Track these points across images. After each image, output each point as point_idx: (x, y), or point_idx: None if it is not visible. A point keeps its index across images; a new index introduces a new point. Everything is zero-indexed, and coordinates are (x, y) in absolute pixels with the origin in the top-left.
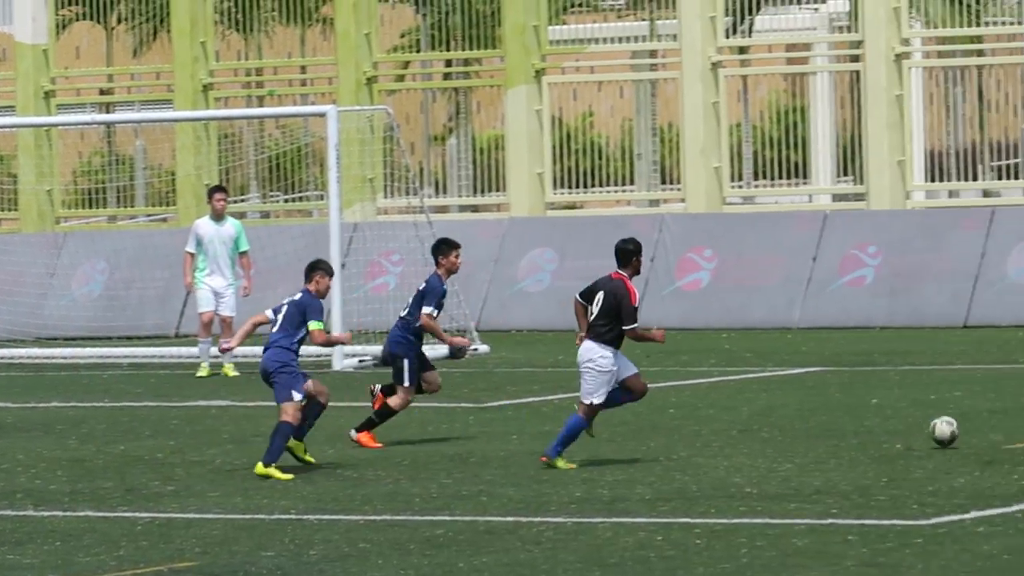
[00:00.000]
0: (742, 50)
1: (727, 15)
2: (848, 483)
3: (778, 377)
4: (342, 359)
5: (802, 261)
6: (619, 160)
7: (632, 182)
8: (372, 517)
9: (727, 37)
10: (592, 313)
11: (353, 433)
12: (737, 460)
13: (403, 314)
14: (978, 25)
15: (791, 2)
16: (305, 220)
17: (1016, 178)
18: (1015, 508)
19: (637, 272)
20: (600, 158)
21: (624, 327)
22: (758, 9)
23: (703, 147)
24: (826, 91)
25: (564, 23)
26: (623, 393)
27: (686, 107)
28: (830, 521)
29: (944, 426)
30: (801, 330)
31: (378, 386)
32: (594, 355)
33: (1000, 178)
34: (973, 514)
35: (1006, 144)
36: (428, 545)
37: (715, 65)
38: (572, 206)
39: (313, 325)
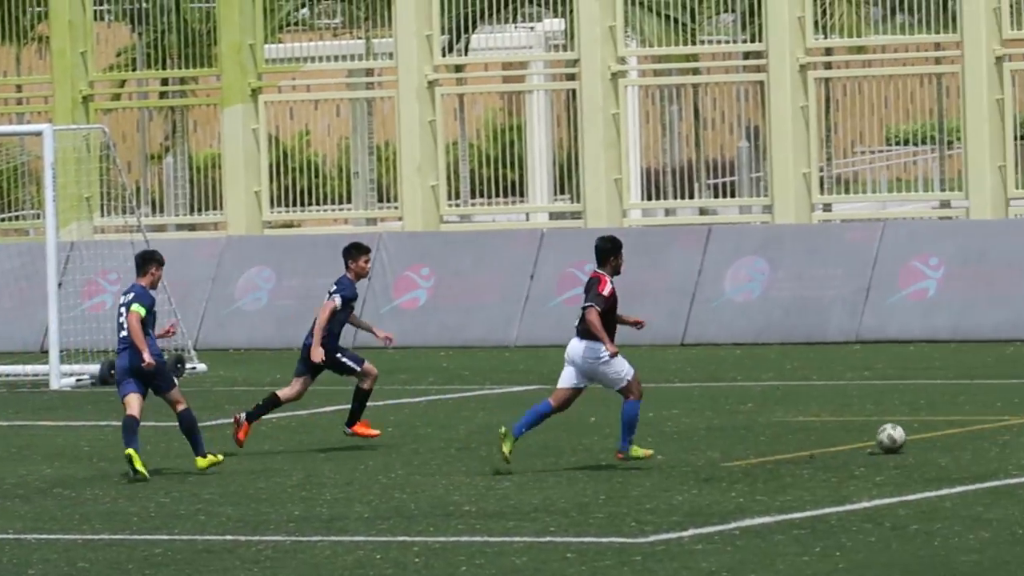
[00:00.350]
0: (458, 68)
1: (443, 34)
2: (566, 500)
3: (496, 395)
4: (60, 378)
5: (519, 279)
6: (336, 178)
7: (349, 200)
8: (90, 536)
9: (443, 55)
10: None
11: (348, 430)
12: (455, 478)
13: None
14: (693, 44)
15: (507, 21)
16: (22, 239)
17: (732, 196)
18: (733, 525)
19: (617, 271)
20: (317, 176)
21: (584, 305)
22: (474, 28)
23: (420, 165)
24: (542, 109)
25: (280, 42)
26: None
27: (402, 125)
28: (548, 539)
29: (888, 434)
30: (519, 348)
31: (243, 414)
32: (590, 353)
33: (717, 196)
34: (691, 531)
35: (722, 162)
36: (146, 564)
37: (431, 83)
38: (290, 224)
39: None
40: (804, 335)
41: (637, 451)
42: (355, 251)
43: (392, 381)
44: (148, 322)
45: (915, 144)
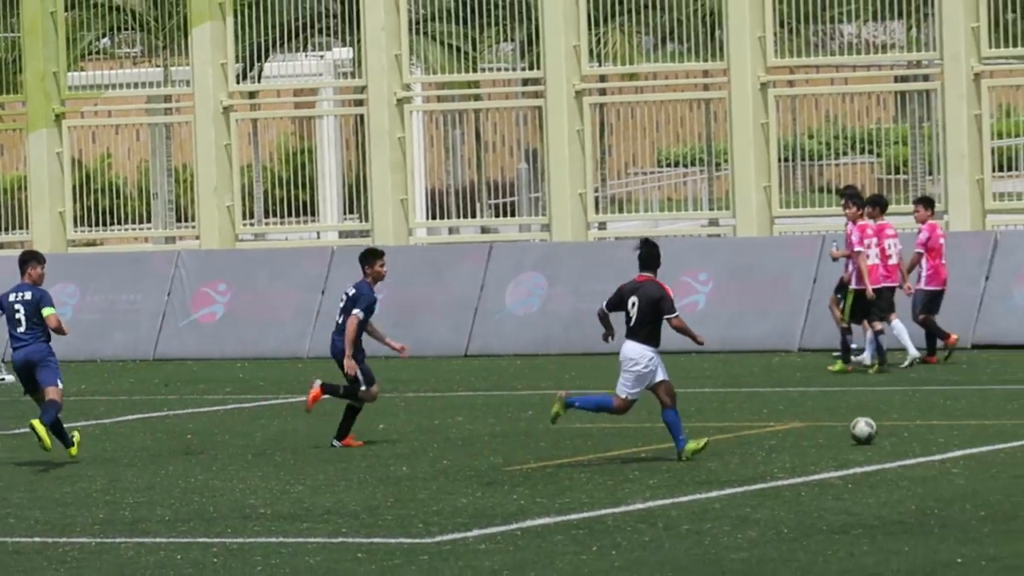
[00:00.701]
0: (252, 95)
1: (237, 62)
2: (357, 503)
3: (290, 404)
4: None
5: (311, 294)
6: (137, 199)
7: (150, 220)
8: None
9: (237, 83)
10: (631, 318)
11: (336, 442)
12: (252, 483)
13: (338, 321)
14: (475, 71)
15: (298, 50)
16: None
17: (513, 215)
18: (514, 526)
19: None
20: (118, 197)
21: (668, 316)
22: (267, 56)
23: (216, 186)
24: (332, 133)
25: (83, 69)
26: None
27: (199, 149)
28: (340, 540)
29: (864, 426)
30: (312, 359)
31: (317, 381)
32: (637, 355)
33: (498, 215)
34: (475, 532)
35: (503, 183)
36: None
37: (226, 109)
38: (93, 243)
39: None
40: (581, 346)
41: (693, 445)
42: (371, 256)
43: (191, 391)
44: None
45: (685, 166)
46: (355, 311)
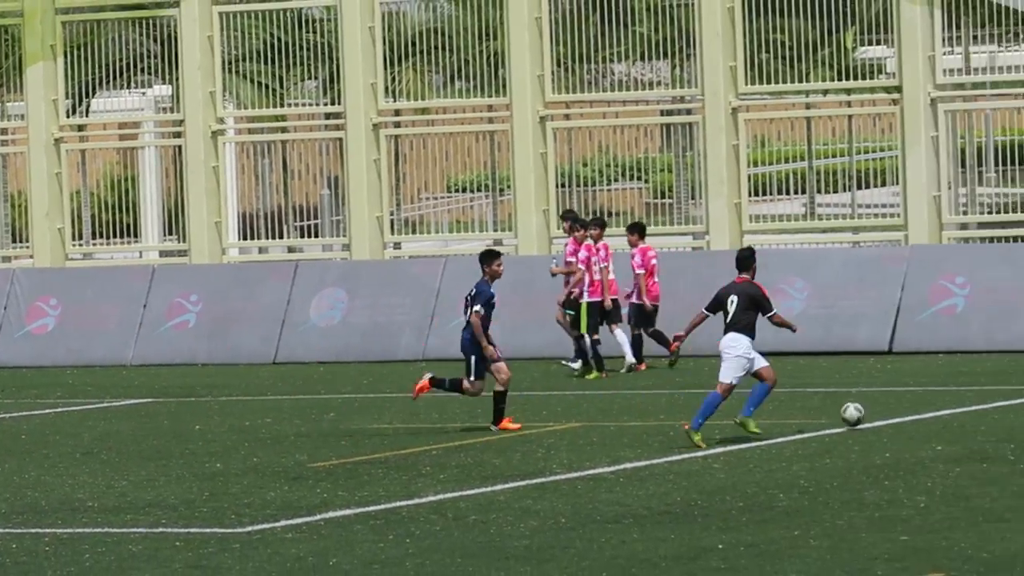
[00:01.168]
0: (81, 128)
1: (67, 98)
2: (176, 497)
3: (115, 408)
4: None
5: (134, 308)
6: None
7: None
8: None
9: (68, 117)
10: (729, 313)
11: (493, 427)
12: (80, 479)
13: (466, 319)
14: (282, 106)
15: (122, 87)
16: None
17: (316, 236)
18: (319, 517)
19: (754, 274)
20: None
21: (768, 314)
22: (94, 93)
23: (48, 211)
24: (153, 163)
25: None
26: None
27: (33, 177)
28: (161, 530)
29: (853, 411)
30: (135, 367)
31: (428, 375)
32: (738, 343)
33: (303, 236)
34: (283, 522)
35: (307, 207)
36: None
37: (57, 141)
38: None
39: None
40: (378, 354)
41: (752, 425)
42: (489, 257)
43: (25, 396)
44: None
45: (472, 191)
46: (475, 308)
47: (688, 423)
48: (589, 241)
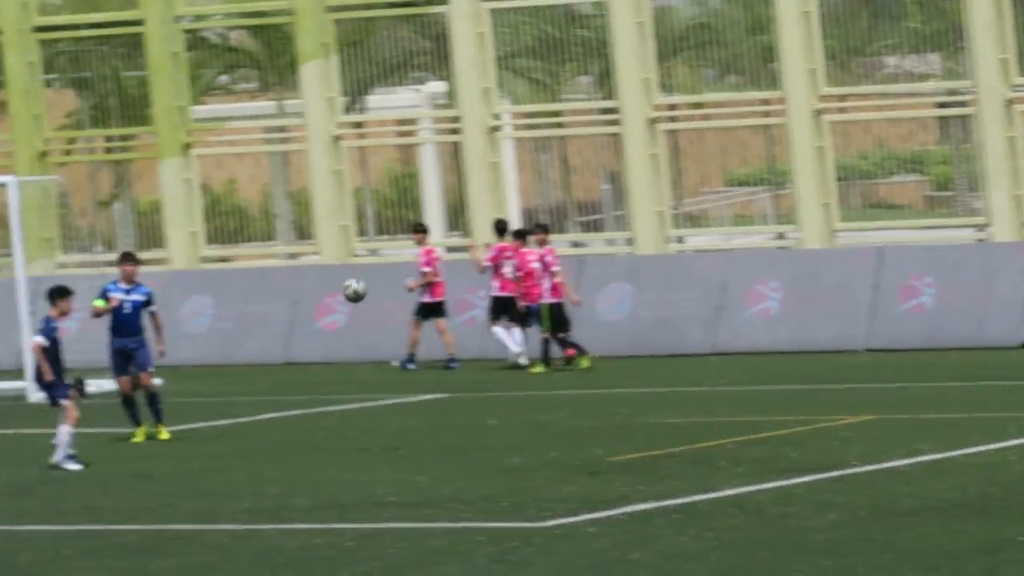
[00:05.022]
0: (358, 125)
1: (344, 95)
2: (475, 492)
3: (408, 403)
4: (35, 392)
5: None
6: (261, 220)
7: (273, 238)
8: (70, 527)
9: (345, 114)
10: None
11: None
12: (379, 474)
13: None
14: (557, 102)
15: (398, 83)
16: None
17: (599, 231)
18: (619, 511)
19: None
20: (245, 218)
21: None
22: (368, 90)
23: (331, 208)
24: (433, 159)
25: (204, 103)
26: None
27: (314, 175)
28: (462, 524)
29: (354, 289)
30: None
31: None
32: None
33: (586, 231)
34: (583, 516)
35: (589, 202)
36: (121, 551)
37: (336, 138)
38: (224, 259)
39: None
40: (667, 348)
41: None
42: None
43: (319, 392)
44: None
45: (751, 185)
46: None
47: None
48: (550, 246)
